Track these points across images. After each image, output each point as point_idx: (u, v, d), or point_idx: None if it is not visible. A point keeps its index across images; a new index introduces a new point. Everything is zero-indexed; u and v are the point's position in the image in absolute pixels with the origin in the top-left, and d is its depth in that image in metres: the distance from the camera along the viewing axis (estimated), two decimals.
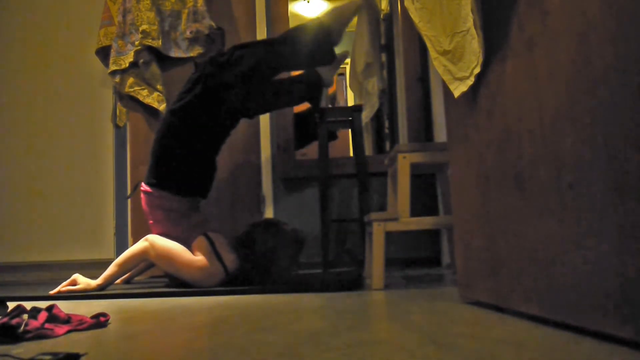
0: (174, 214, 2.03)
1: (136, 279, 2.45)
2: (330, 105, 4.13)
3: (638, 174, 0.68)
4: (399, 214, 1.84)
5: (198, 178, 2.10)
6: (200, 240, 1.99)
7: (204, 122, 2.04)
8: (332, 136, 2.89)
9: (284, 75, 2.36)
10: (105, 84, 3.30)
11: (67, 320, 1.13)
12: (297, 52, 2.14)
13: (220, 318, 1.24)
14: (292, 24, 3.38)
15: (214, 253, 1.96)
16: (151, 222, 2.07)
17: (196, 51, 2.73)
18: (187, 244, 2.00)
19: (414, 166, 1.91)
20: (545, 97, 0.89)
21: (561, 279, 0.85)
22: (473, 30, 1.11)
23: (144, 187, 2.07)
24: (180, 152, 2.03)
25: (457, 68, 1.21)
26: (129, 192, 3.01)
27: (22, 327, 1.01)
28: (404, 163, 1.88)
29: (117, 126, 3.14)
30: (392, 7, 3.52)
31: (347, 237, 3.01)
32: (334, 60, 2.23)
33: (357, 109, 2.79)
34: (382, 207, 2.97)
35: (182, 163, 2.04)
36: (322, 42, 2.16)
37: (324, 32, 2.16)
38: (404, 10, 2.98)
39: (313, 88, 2.23)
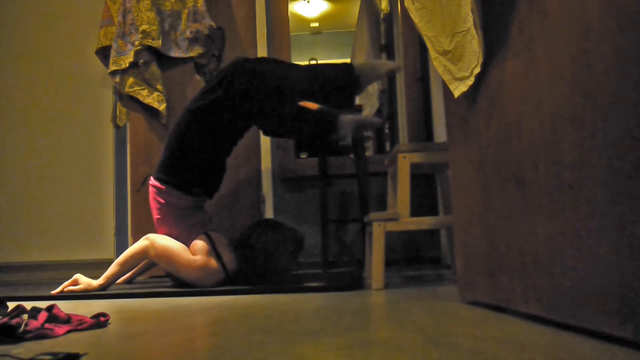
0: (180, 211, 2.04)
1: (137, 279, 2.45)
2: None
3: (638, 174, 0.68)
4: (399, 214, 1.84)
5: (208, 178, 2.10)
6: (201, 240, 1.99)
7: (222, 125, 2.03)
8: (345, 150, 2.86)
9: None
10: (105, 84, 3.30)
11: (67, 320, 1.13)
12: (319, 84, 2.11)
13: (220, 318, 1.24)
14: (292, 24, 3.38)
15: (214, 252, 1.96)
16: (157, 217, 2.07)
17: (196, 51, 2.73)
18: (188, 242, 2.01)
19: (414, 166, 1.91)
20: (545, 97, 0.89)
21: (561, 278, 0.85)
22: (473, 30, 1.11)
23: (152, 181, 2.08)
24: (194, 151, 2.03)
25: (457, 68, 1.21)
26: (129, 191, 3.01)
27: (22, 327, 1.01)
28: (404, 163, 1.88)
29: (117, 126, 3.14)
30: (392, 7, 3.52)
31: (347, 237, 3.01)
32: (351, 105, 2.20)
33: (357, 109, 2.79)
34: (382, 207, 2.97)
35: (194, 162, 2.04)
36: (345, 84, 2.14)
37: (351, 76, 2.14)
38: (404, 10, 2.98)
39: (322, 132, 2.15)
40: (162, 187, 2.03)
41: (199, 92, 2.09)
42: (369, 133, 2.42)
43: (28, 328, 1.01)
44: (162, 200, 2.04)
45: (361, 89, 2.22)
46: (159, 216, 2.06)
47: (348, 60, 4.25)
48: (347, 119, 2.08)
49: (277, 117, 2.04)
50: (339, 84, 2.13)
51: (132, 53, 2.65)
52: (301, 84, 2.08)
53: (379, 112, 3.84)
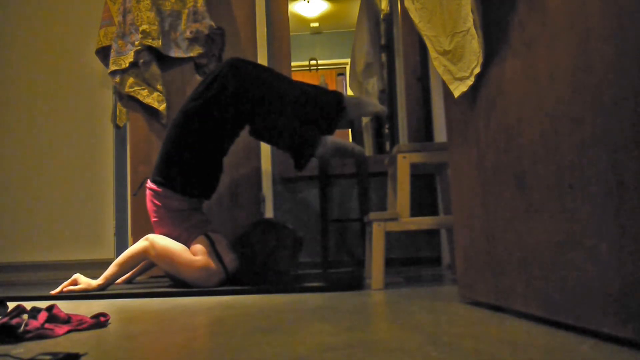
0: (177, 213, 2.04)
1: (137, 279, 2.45)
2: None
3: (638, 174, 0.68)
4: (399, 214, 1.84)
5: (205, 179, 2.10)
6: (201, 240, 1.99)
7: (216, 124, 2.03)
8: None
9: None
10: (105, 84, 3.30)
11: (67, 320, 1.13)
12: (308, 104, 2.10)
13: (220, 318, 1.24)
14: (292, 24, 3.38)
15: (214, 253, 1.96)
16: (154, 220, 2.07)
17: (196, 51, 2.73)
18: (187, 243, 2.00)
19: (414, 166, 1.91)
20: (545, 97, 0.89)
21: (561, 279, 0.85)
22: (473, 30, 1.11)
23: (149, 184, 2.08)
24: (190, 152, 2.03)
25: (457, 68, 1.21)
26: (129, 191, 3.01)
27: (22, 327, 1.01)
28: (404, 163, 1.88)
29: (117, 126, 3.14)
30: (392, 7, 3.52)
31: (347, 237, 3.01)
32: (331, 132, 2.20)
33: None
34: (382, 207, 2.97)
35: (190, 163, 2.04)
36: (332, 111, 2.14)
37: (340, 105, 2.14)
38: (404, 10, 2.98)
39: (303, 149, 2.08)
40: (159, 189, 2.03)
41: (192, 92, 2.08)
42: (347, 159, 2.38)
43: (28, 328, 1.01)
44: (159, 203, 2.04)
45: (346, 120, 2.22)
46: (156, 219, 2.06)
47: (348, 60, 4.24)
48: (330, 140, 2.05)
49: (266, 122, 2.04)
50: (326, 110, 2.14)
51: (132, 53, 2.65)
52: (290, 98, 2.07)
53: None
